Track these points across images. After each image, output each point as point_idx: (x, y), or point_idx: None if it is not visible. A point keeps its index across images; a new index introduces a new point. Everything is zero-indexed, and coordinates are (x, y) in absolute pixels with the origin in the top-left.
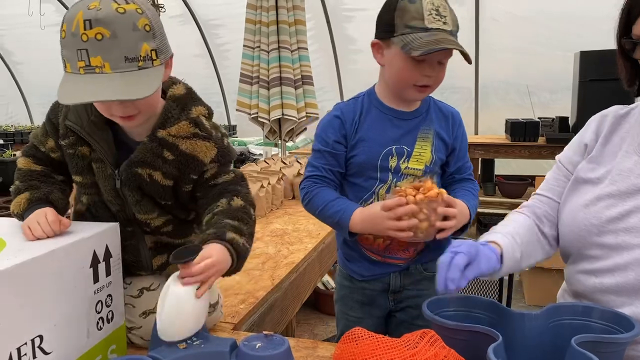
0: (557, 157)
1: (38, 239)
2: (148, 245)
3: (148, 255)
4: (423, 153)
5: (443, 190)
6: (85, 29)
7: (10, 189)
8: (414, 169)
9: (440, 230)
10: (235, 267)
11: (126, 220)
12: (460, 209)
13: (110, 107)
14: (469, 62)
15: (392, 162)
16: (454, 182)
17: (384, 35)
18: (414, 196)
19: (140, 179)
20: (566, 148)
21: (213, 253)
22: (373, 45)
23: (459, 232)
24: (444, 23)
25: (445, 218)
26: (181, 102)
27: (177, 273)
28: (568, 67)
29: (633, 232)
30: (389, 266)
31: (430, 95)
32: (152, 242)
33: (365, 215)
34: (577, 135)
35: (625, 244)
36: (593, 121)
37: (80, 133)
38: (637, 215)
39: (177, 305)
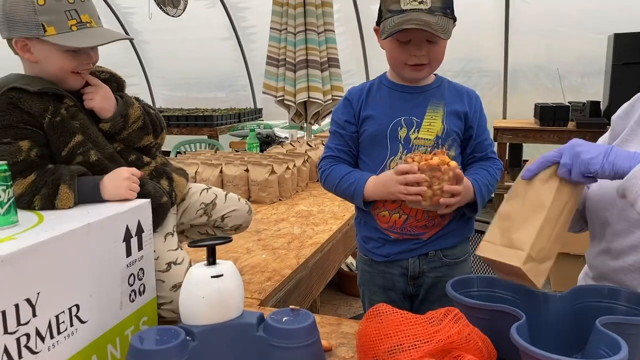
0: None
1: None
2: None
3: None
4: (433, 123)
5: (453, 163)
6: None
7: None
8: (424, 139)
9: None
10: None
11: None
12: (466, 185)
13: (80, 61)
14: (445, 38)
15: (402, 133)
16: (474, 162)
17: (377, 22)
18: (419, 162)
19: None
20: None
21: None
22: (375, 31)
23: (472, 212)
24: (420, 2)
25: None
26: None
27: (200, 263)
28: (600, 50)
29: None
30: (408, 243)
31: (446, 77)
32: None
33: (378, 181)
34: None
35: None
36: (625, 104)
37: (57, 90)
38: None
39: (190, 286)
